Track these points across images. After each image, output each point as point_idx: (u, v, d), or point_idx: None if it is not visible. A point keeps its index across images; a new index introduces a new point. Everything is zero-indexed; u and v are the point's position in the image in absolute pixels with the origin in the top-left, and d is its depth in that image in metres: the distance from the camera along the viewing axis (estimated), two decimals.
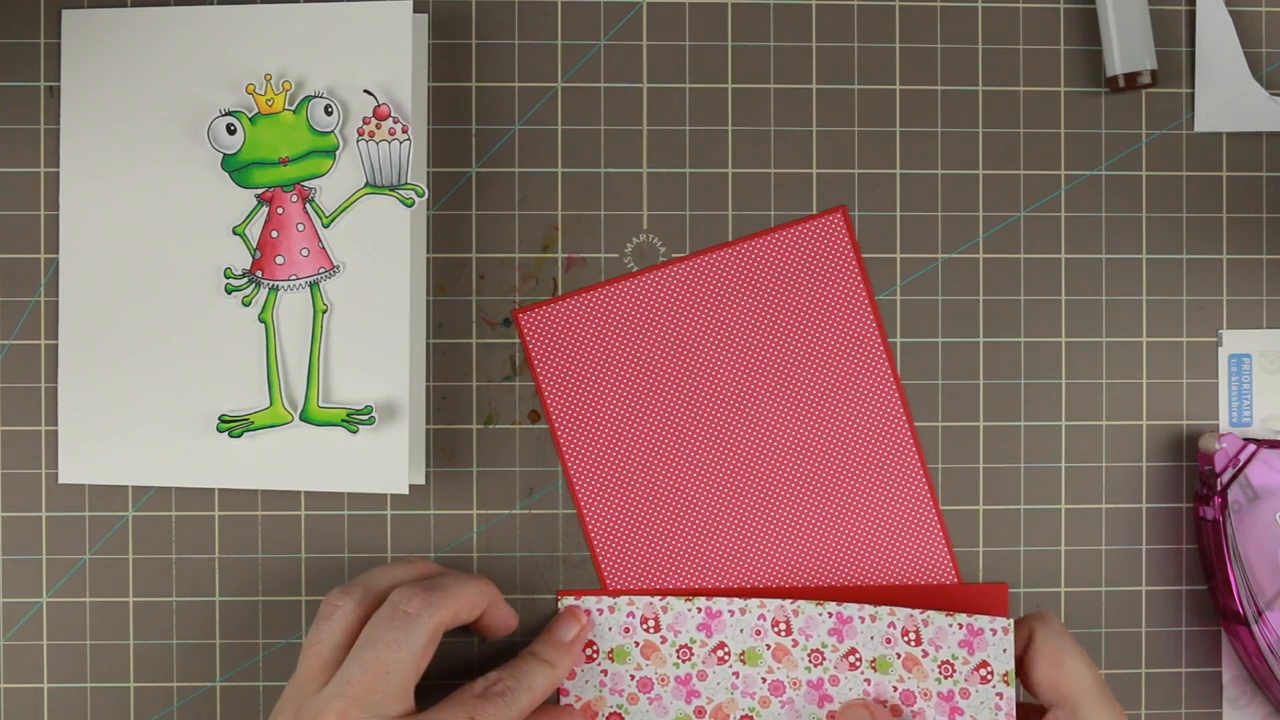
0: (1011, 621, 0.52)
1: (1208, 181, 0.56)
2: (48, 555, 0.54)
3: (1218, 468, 0.54)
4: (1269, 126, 0.55)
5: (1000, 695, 0.52)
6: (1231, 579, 0.54)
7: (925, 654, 0.53)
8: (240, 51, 0.53)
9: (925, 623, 0.53)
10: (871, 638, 0.54)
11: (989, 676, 0.52)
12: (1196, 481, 0.55)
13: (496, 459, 0.55)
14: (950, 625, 0.53)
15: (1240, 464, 0.54)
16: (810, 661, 0.54)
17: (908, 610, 0.53)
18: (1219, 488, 0.54)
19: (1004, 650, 0.52)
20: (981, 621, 0.53)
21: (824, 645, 0.54)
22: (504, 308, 0.55)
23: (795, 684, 0.54)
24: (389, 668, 0.47)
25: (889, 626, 0.53)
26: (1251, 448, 0.54)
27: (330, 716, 0.46)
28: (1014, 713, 0.52)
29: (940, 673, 0.53)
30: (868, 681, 0.54)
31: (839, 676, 0.54)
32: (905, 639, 0.53)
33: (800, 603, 0.54)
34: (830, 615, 0.54)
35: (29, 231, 0.54)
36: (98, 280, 0.54)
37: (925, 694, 0.53)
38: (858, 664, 0.54)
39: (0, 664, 0.54)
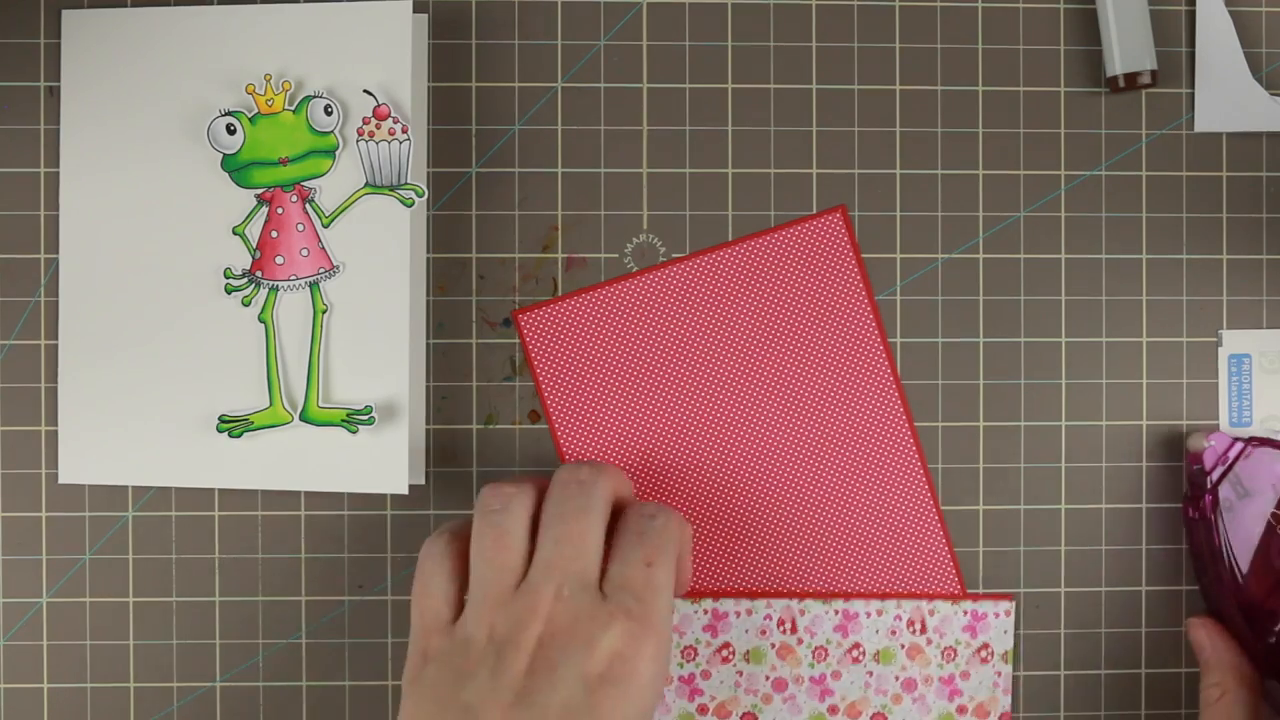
0: (1013, 603, 0.54)
1: (1208, 181, 0.56)
2: (48, 555, 0.54)
3: (1207, 465, 0.54)
4: (1269, 126, 0.55)
5: (999, 674, 0.54)
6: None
7: (929, 641, 0.54)
8: (240, 51, 0.53)
9: (931, 612, 0.54)
10: (876, 631, 0.54)
11: (989, 657, 0.54)
12: (1185, 483, 0.55)
13: (496, 459, 0.55)
14: (956, 612, 0.54)
15: (1230, 461, 0.53)
16: (814, 658, 0.54)
17: (914, 601, 0.54)
18: (1209, 486, 0.54)
19: (1005, 631, 0.54)
20: (985, 606, 0.54)
21: (828, 642, 0.54)
22: (504, 308, 0.55)
23: (798, 680, 0.54)
24: (585, 535, 0.47)
25: (895, 619, 0.54)
26: (1240, 445, 0.53)
27: (546, 599, 0.46)
28: (1011, 689, 0.54)
29: (943, 658, 0.54)
30: (870, 674, 0.54)
31: (841, 671, 0.54)
32: (910, 629, 0.54)
33: (807, 601, 0.54)
34: (837, 612, 0.54)
35: (29, 231, 0.54)
36: (98, 280, 0.54)
37: (926, 680, 0.54)
38: (860, 657, 0.54)
39: (0, 664, 0.54)
